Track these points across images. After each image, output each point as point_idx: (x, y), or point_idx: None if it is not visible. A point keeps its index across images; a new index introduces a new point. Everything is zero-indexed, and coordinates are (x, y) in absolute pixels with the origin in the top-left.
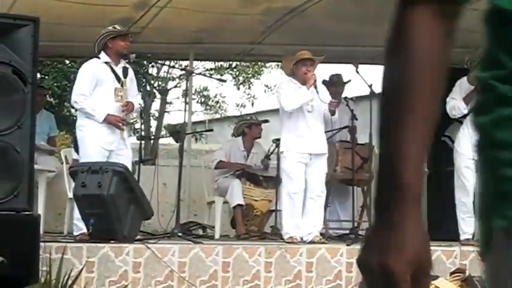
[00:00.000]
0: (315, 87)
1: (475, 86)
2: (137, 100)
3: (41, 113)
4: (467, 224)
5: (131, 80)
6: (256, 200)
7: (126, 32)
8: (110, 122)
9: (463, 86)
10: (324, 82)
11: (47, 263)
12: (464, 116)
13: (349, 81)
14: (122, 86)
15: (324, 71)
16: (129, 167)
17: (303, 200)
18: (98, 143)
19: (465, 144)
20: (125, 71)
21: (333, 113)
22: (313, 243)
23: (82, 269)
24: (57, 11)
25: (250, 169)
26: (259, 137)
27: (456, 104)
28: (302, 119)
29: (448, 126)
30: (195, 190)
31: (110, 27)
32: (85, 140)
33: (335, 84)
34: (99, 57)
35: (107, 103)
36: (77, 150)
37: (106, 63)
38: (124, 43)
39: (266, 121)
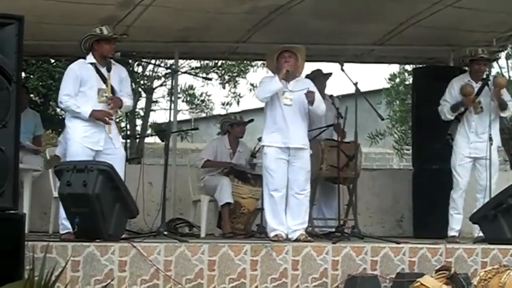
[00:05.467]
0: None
1: (465, 99)
2: (129, 100)
3: (26, 112)
4: (455, 221)
5: (122, 80)
6: (243, 198)
7: (110, 37)
8: (96, 117)
9: (455, 86)
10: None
11: (31, 261)
12: (461, 114)
13: (331, 73)
14: (106, 86)
15: (309, 69)
16: (122, 167)
17: (286, 197)
18: (83, 143)
19: (461, 143)
20: (109, 69)
21: (311, 103)
22: (298, 241)
23: (65, 267)
24: (42, 9)
25: (237, 167)
26: (241, 137)
27: (444, 109)
28: (280, 112)
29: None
30: (180, 189)
31: (97, 30)
32: (71, 140)
33: (316, 79)
34: (85, 58)
35: (90, 103)
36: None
37: (91, 63)
38: (109, 46)
39: (251, 120)
